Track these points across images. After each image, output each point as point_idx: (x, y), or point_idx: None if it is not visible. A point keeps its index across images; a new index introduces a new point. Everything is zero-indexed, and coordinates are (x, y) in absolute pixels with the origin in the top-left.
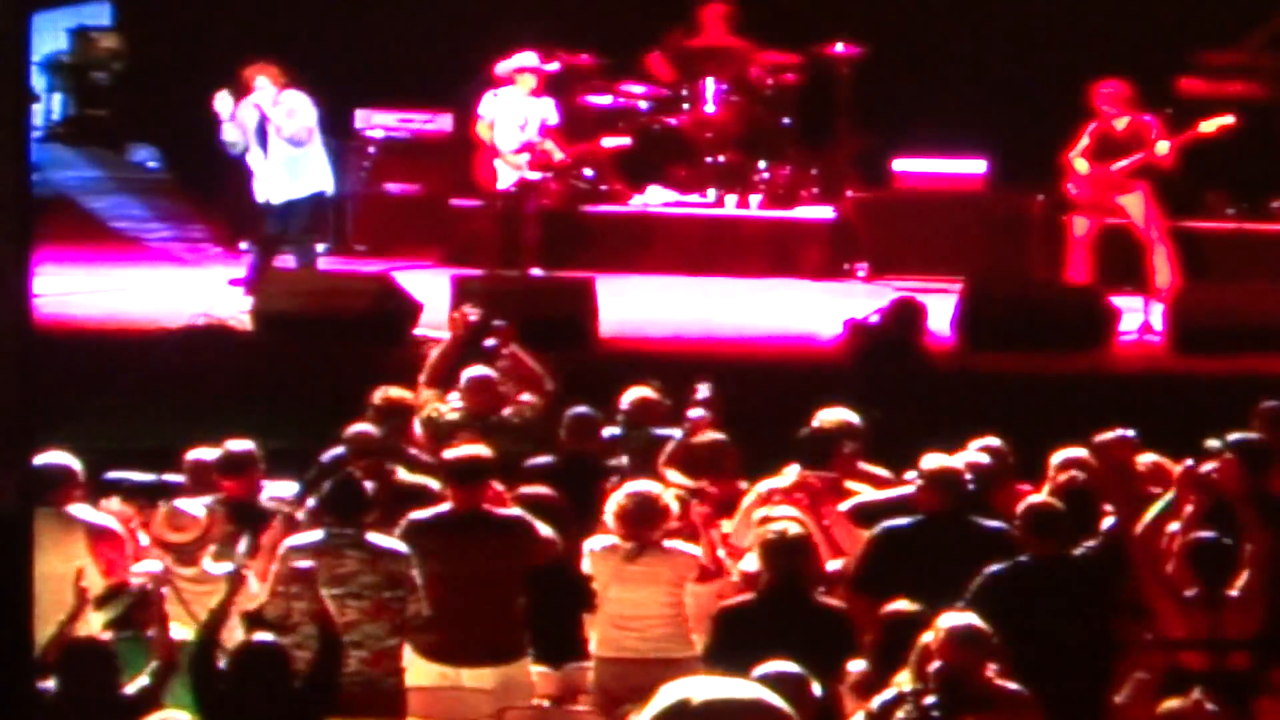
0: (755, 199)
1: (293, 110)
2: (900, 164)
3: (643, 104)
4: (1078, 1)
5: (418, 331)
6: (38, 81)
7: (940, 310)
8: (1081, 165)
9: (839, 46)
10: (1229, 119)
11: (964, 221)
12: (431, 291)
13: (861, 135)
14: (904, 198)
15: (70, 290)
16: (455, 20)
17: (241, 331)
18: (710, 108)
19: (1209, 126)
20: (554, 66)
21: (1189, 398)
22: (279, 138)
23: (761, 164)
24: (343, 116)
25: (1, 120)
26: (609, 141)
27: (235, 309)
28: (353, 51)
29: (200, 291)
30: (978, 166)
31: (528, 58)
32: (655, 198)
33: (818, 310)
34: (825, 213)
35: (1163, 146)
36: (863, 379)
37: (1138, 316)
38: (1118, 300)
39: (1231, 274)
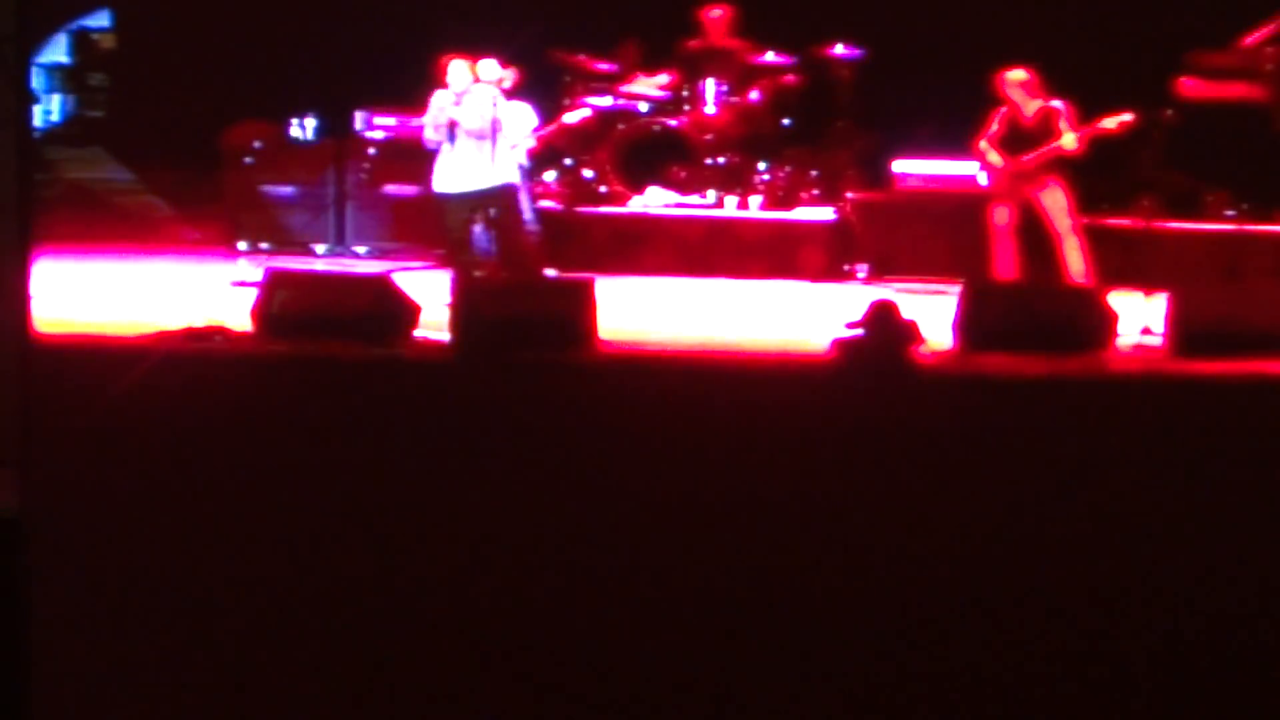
0: (755, 200)
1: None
2: (900, 165)
3: (643, 105)
4: (1077, 2)
5: (417, 333)
6: (37, 82)
7: (940, 312)
8: (995, 158)
9: (839, 48)
10: (1129, 116)
11: (964, 223)
12: (431, 293)
13: (862, 137)
14: (904, 199)
15: (70, 291)
16: (456, 21)
17: (241, 333)
18: (710, 109)
19: (1110, 123)
20: (510, 73)
21: (1189, 400)
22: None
23: (761, 165)
24: (342, 117)
25: (2, 120)
26: (570, 116)
27: (236, 311)
28: (353, 52)
29: (201, 292)
30: (978, 168)
31: (488, 66)
32: (655, 199)
33: (817, 312)
34: (825, 214)
35: (1069, 139)
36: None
37: (1137, 318)
38: (1116, 301)
39: (1231, 275)
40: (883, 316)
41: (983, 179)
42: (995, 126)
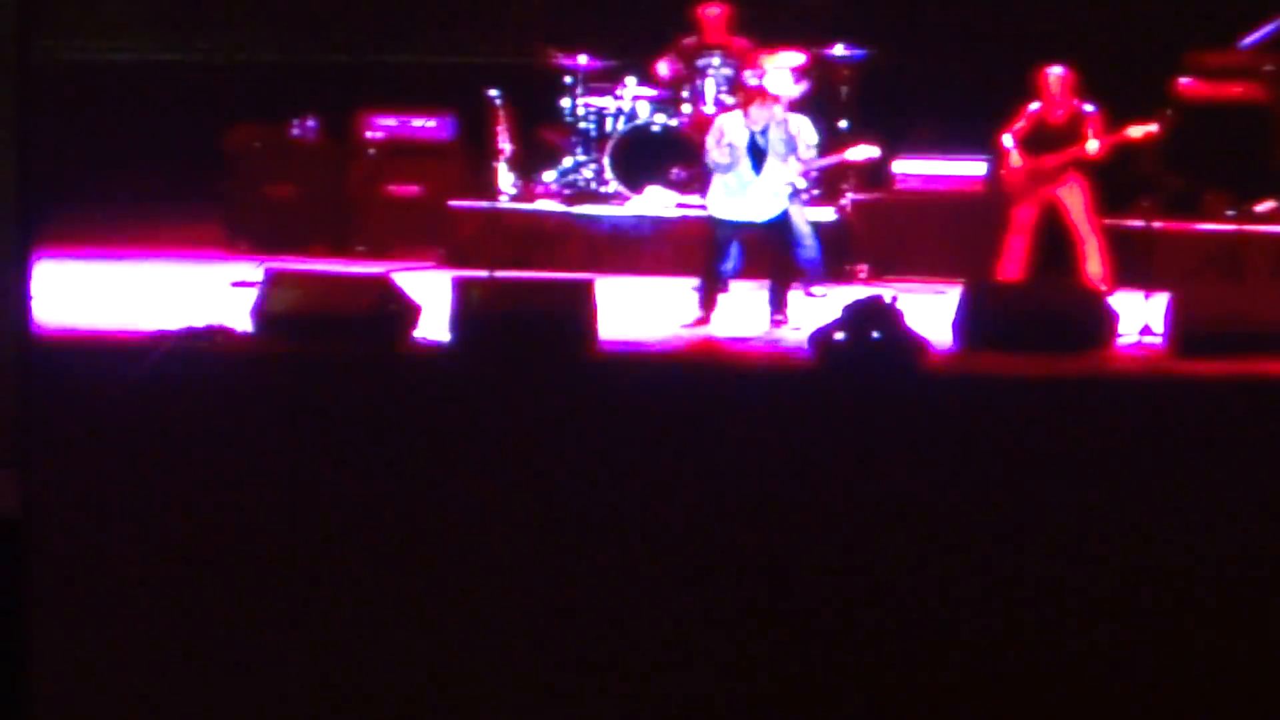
0: None
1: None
2: (900, 165)
3: (643, 105)
4: (1077, 2)
5: (417, 334)
6: None
7: (940, 312)
8: (1015, 159)
9: (840, 49)
10: (1154, 127)
11: (964, 223)
12: (431, 294)
13: (862, 137)
14: (904, 199)
15: (70, 291)
16: (456, 21)
17: (241, 333)
18: (710, 109)
19: (1136, 132)
20: (801, 85)
21: (1189, 400)
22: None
23: None
24: (343, 117)
25: (1, 120)
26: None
27: (236, 311)
28: (353, 52)
29: (201, 292)
30: (978, 168)
31: (777, 79)
32: (655, 199)
33: (817, 312)
34: (826, 214)
35: (1092, 145)
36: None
37: (1137, 318)
38: (1116, 301)
39: (1232, 275)
40: (864, 315)
41: (982, 171)
42: (1023, 122)
